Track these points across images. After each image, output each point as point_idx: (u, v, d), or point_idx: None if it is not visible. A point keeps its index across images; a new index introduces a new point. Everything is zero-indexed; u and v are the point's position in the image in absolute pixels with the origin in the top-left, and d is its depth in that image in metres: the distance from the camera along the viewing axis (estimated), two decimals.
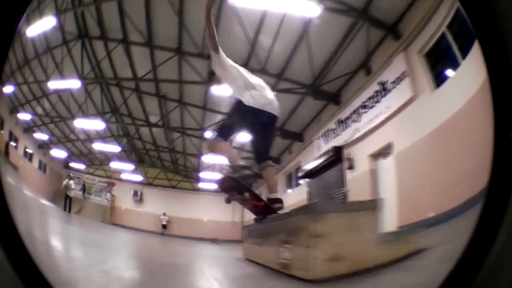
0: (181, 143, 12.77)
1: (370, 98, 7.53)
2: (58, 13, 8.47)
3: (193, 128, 11.25)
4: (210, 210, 14.28)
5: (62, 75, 10.11)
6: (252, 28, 7.74)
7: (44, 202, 10.56)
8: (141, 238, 11.73)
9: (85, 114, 11.20)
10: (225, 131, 3.52)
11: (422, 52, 6.50)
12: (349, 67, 7.96)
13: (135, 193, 15.32)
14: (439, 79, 6.14)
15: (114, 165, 14.30)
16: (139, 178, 15.20)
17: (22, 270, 1.25)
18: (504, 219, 1.20)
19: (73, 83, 10.37)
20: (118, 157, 13.74)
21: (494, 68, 1.23)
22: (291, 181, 11.62)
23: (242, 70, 3.54)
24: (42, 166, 12.56)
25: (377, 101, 7.32)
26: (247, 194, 3.53)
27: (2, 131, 9.48)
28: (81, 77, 10.13)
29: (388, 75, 7.05)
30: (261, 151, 3.58)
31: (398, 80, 6.83)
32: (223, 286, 3.89)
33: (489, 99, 1.23)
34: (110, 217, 14.11)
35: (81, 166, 14.53)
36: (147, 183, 15.47)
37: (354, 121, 7.98)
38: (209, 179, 13.55)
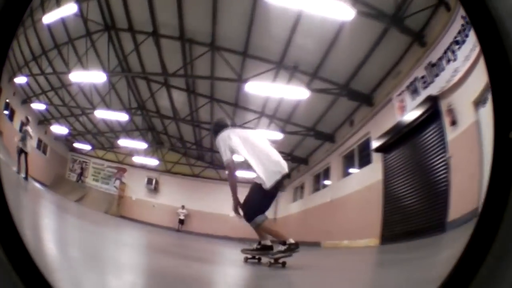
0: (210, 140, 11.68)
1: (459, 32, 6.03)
2: (80, 2, 8.37)
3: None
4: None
5: (84, 67, 9.90)
6: (287, 27, 7.63)
7: (39, 187, 9.70)
8: (152, 234, 10.44)
9: (109, 107, 10.59)
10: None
11: None
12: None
13: (150, 181, 13.40)
14: None
15: (124, 143, 12.50)
16: (155, 162, 13.38)
17: (22, 269, 1.31)
18: (503, 219, 1.24)
19: (98, 76, 10.12)
20: (130, 134, 12.26)
21: (494, 69, 1.29)
22: (353, 160, 9.51)
23: None
24: (41, 147, 11.14)
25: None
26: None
27: None
28: (107, 70, 9.96)
29: None
30: None
31: None
32: None
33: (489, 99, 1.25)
34: (118, 208, 12.54)
35: (86, 147, 12.89)
36: (165, 170, 13.61)
37: (449, 60, 6.36)
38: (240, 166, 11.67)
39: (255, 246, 4.57)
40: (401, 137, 7.39)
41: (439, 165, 6.18)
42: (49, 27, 8.83)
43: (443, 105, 6.44)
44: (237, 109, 10.35)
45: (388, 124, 7.81)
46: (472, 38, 5.66)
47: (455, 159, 5.87)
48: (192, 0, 7.89)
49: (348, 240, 8.26)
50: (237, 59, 8.71)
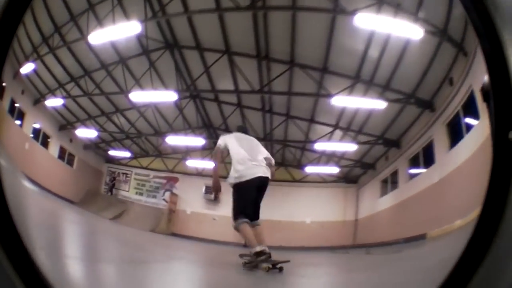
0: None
1: None
2: (141, 20, 8.35)
3: (297, 141, 10.50)
4: (315, 207, 11.10)
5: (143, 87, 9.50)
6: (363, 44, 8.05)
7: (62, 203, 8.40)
8: (215, 252, 9.15)
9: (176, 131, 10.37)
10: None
11: None
12: None
13: (208, 190, 11.47)
14: None
15: (174, 140, 10.84)
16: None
17: (22, 270, 1.36)
18: (503, 219, 1.26)
19: (165, 95, 9.71)
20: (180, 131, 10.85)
21: (494, 69, 1.32)
22: (458, 125, 8.14)
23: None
24: (65, 156, 9.84)
25: None
26: None
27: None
28: (176, 89, 9.61)
29: None
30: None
31: None
32: None
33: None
34: (168, 224, 10.68)
35: (124, 154, 11.27)
36: (226, 175, 11.53)
37: None
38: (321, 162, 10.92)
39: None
40: None
41: None
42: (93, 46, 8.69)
43: None
44: (312, 124, 10.05)
45: None
46: None
47: None
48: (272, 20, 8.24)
49: (461, 218, 6.98)
50: (316, 75, 8.89)
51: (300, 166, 11.44)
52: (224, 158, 5.70)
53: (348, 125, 9.39)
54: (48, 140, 9.10)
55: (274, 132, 10.26)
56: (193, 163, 11.47)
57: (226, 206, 10.68)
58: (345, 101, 9.03)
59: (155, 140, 11.23)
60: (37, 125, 8.67)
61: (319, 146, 9.83)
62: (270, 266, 4.59)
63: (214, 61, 9.05)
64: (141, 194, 11.34)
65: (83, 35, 8.30)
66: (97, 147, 10.86)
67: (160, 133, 10.58)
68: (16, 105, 7.82)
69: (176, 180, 11.81)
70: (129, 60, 9.12)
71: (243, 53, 8.90)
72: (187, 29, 8.77)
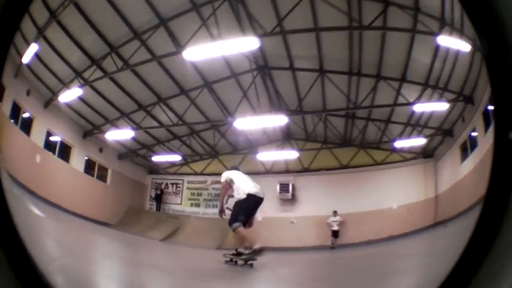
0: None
1: None
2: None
3: (386, 105, 9.95)
4: (399, 190, 10.28)
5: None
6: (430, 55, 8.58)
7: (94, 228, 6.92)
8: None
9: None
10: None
11: None
12: None
13: (284, 188, 10.24)
14: None
15: (243, 123, 9.36)
16: (293, 155, 10.42)
17: (22, 272, 1.35)
18: (503, 218, 1.24)
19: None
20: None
21: (494, 70, 1.31)
22: None
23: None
24: (95, 170, 8.23)
25: None
26: None
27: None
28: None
29: None
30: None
31: None
32: None
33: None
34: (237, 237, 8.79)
35: (174, 158, 9.94)
36: (301, 170, 10.75)
37: None
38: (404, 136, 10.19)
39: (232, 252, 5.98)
40: None
41: None
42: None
43: None
44: (389, 124, 10.27)
45: None
46: None
47: None
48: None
49: None
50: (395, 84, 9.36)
51: (381, 144, 10.93)
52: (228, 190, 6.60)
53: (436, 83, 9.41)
54: (69, 150, 7.59)
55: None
56: (265, 157, 10.21)
57: (305, 204, 10.54)
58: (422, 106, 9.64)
59: (211, 137, 10.01)
60: (54, 134, 7.24)
61: (417, 107, 9.41)
62: (243, 262, 5.66)
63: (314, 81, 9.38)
64: (197, 205, 10.06)
65: None
66: (136, 155, 9.52)
67: (226, 116, 9.46)
68: (22, 110, 6.63)
69: None
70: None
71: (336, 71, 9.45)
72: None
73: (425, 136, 9.32)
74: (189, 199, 10.12)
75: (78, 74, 7.87)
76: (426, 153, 9.38)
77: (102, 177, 8.47)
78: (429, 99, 9.26)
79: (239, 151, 10.74)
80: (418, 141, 9.46)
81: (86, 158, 8.06)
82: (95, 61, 7.93)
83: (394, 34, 8.63)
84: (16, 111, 6.36)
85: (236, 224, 5.48)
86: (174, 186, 10.19)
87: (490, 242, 1.22)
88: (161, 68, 8.62)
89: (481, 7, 1.29)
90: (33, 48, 6.62)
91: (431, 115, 9.59)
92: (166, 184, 10.08)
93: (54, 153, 7.39)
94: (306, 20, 8.35)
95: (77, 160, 7.87)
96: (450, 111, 9.35)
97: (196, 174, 10.47)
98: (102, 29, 7.81)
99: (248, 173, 10.91)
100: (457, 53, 8.31)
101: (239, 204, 5.80)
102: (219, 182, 9.79)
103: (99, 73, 8.27)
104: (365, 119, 10.38)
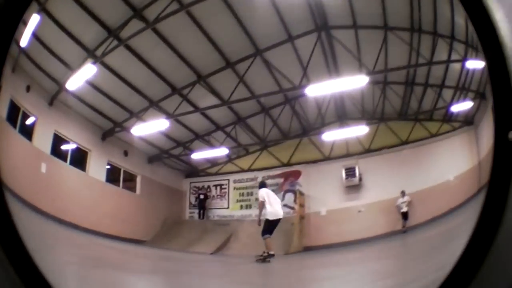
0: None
1: None
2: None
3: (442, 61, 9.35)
4: (452, 160, 9.45)
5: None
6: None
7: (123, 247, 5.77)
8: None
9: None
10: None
11: None
12: None
13: (350, 172, 9.34)
14: None
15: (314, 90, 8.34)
16: (362, 131, 9.66)
17: (23, 271, 1.30)
18: (503, 218, 1.23)
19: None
20: None
21: (494, 69, 1.29)
22: None
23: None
24: (120, 179, 7.27)
25: None
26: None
27: None
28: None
29: None
30: None
31: None
32: None
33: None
34: (300, 237, 8.54)
35: (220, 152, 9.03)
36: (363, 151, 9.97)
37: None
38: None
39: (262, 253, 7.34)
40: None
41: None
42: None
43: None
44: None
45: None
46: None
47: None
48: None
49: None
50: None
51: (436, 112, 10.35)
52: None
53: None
54: (86, 156, 6.54)
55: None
56: (331, 136, 9.17)
57: (370, 189, 9.75)
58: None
59: (260, 126, 8.96)
60: (63, 137, 6.24)
61: (469, 64, 8.95)
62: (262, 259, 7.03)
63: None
64: (249, 206, 9.31)
65: None
66: (170, 155, 8.60)
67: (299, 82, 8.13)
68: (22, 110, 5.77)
69: (297, 174, 9.80)
70: None
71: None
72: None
73: (471, 99, 9.16)
74: (238, 201, 9.57)
75: (90, 53, 6.50)
76: (467, 120, 9.40)
77: (130, 186, 7.53)
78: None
79: (290, 138, 9.53)
80: (467, 105, 9.52)
81: (108, 164, 6.97)
82: (112, 32, 6.54)
83: None
84: (14, 111, 5.43)
85: (266, 235, 7.38)
86: (218, 188, 9.48)
87: (489, 242, 1.17)
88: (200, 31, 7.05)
89: (480, 8, 1.25)
90: (33, 22, 5.41)
91: (472, 77, 9.12)
92: (208, 186, 9.39)
93: (65, 160, 6.24)
94: None
95: (97, 167, 6.89)
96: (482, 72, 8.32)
97: (243, 171, 9.53)
98: None
99: (301, 162, 10.61)
100: None
101: (269, 223, 7.55)
102: (273, 176, 9.86)
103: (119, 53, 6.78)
104: (422, 84, 10.08)
